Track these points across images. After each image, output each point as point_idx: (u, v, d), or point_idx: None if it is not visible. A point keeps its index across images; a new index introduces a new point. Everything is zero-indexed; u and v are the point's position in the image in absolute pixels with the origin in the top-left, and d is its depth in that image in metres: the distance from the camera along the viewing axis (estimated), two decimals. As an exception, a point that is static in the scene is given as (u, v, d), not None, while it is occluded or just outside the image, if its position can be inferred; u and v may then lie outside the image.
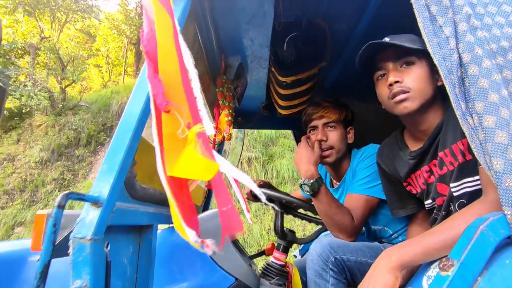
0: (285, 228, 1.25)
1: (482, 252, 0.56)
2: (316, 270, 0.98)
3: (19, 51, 9.71)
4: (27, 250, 1.07)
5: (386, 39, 0.89)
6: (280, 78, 1.48)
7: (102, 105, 8.79)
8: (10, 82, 8.06)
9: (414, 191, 0.99)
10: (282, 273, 1.16)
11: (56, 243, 0.64)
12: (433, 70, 0.87)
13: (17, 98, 7.91)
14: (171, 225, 1.12)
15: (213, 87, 1.52)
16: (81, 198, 0.54)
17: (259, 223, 5.37)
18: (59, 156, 7.70)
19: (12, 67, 8.53)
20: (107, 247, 0.69)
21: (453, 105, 0.72)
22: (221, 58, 1.42)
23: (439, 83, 0.87)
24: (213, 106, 1.56)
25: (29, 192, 6.81)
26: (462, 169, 0.81)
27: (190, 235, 0.45)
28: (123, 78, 12.43)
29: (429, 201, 0.93)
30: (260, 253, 1.43)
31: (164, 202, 0.99)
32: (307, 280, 1.01)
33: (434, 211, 0.93)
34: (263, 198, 0.55)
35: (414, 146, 0.96)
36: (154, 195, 0.93)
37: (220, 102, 1.48)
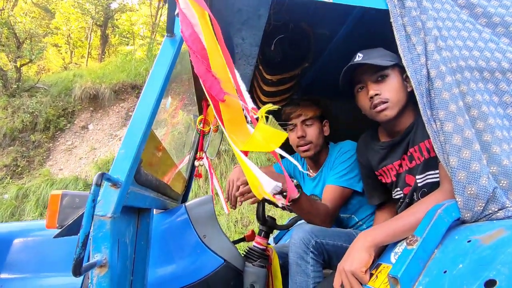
0: (266, 216, 1.35)
1: (439, 230, 0.71)
2: (298, 252, 1.10)
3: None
4: (12, 233, 1.06)
5: (360, 55, 1.05)
6: (266, 76, 1.57)
7: (63, 88, 8.24)
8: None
9: (384, 181, 1.14)
10: (263, 256, 1.27)
11: (71, 221, 0.68)
12: (403, 78, 1.03)
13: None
14: (163, 210, 1.18)
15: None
16: (109, 178, 0.59)
17: (226, 215, 5.44)
18: (12, 141, 7.14)
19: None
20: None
21: (421, 112, 0.87)
22: (211, 53, 1.48)
23: (409, 89, 1.02)
24: (201, 99, 1.61)
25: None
26: (427, 163, 0.97)
27: (277, 198, 0.55)
28: (87, 61, 11.71)
29: (397, 189, 1.09)
30: (241, 239, 1.53)
31: (159, 189, 1.05)
32: (289, 262, 1.13)
33: (400, 200, 1.09)
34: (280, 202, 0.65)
35: (385, 139, 1.12)
36: (153, 181, 0.98)
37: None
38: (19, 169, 6.80)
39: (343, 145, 1.40)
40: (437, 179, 0.93)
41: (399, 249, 0.82)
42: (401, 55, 0.95)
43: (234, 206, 1.20)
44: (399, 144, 1.06)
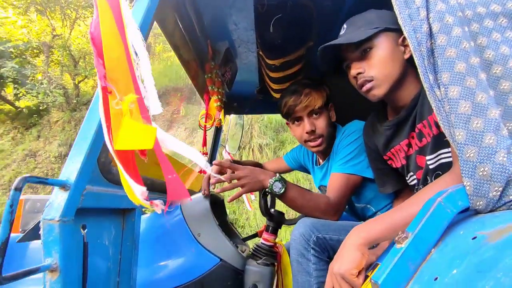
0: (272, 210, 1.26)
1: (438, 224, 0.55)
2: (298, 249, 1.00)
3: (34, 50, 9.99)
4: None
5: (344, 26, 0.90)
6: (269, 61, 1.47)
7: (115, 99, 8.98)
8: (27, 81, 8.36)
9: (394, 165, 0.98)
10: (270, 253, 1.18)
11: (33, 226, 0.68)
12: (397, 45, 0.85)
13: (34, 96, 8.21)
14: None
15: (202, 74, 1.53)
16: (42, 181, 0.57)
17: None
18: (77, 150, 8.00)
19: (29, 66, 8.83)
20: (84, 229, 0.72)
21: (422, 77, 0.70)
22: (207, 44, 1.42)
23: (406, 56, 0.84)
24: (203, 92, 1.57)
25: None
26: (437, 140, 0.79)
27: (142, 200, 0.49)
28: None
29: (410, 173, 0.92)
30: (253, 235, 1.46)
31: (148, 187, 1.03)
32: (290, 259, 1.03)
33: (415, 186, 0.92)
34: (208, 170, 0.56)
35: (392, 118, 0.95)
36: (144, 181, 0.96)
37: (210, 88, 1.49)
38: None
39: (348, 127, 1.22)
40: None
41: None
42: (397, 12, 0.78)
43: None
44: (404, 120, 0.88)
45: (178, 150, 0.53)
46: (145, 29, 0.81)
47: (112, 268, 0.86)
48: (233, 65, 1.59)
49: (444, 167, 0.79)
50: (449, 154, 0.78)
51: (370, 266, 0.71)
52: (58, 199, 0.63)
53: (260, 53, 1.48)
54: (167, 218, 1.10)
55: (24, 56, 9.18)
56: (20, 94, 8.32)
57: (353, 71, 0.88)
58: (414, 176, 0.90)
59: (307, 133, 1.21)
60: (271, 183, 1.02)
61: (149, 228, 1.09)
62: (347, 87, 1.64)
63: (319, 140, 1.23)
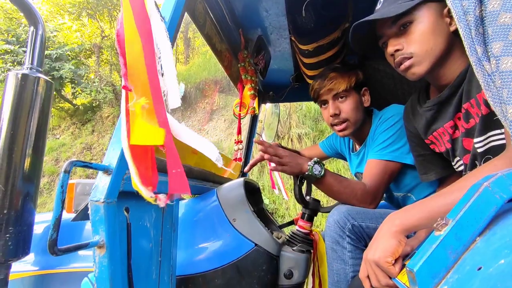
0: (308, 197, 1.25)
1: (483, 210, 0.50)
2: (333, 236, 0.98)
3: (87, 51, 10.86)
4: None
5: (380, 0, 0.83)
6: (301, 47, 1.43)
7: (159, 94, 9.46)
8: (82, 80, 9.14)
9: (437, 150, 0.90)
10: (306, 240, 1.18)
11: (83, 207, 0.75)
12: (441, 16, 0.76)
13: (88, 94, 8.96)
14: (196, 195, 1.21)
15: (235, 63, 1.54)
16: (87, 165, 0.63)
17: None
18: (127, 143, 8.62)
19: (83, 66, 9.63)
20: (127, 211, 0.78)
21: (467, 51, 0.64)
22: (239, 33, 1.42)
23: (452, 28, 0.76)
24: (236, 81, 1.58)
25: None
26: (487, 121, 0.71)
27: (144, 192, 0.51)
28: (175, 66, 13.11)
29: (457, 159, 0.85)
30: (289, 223, 1.46)
31: (187, 174, 1.08)
32: (325, 247, 1.02)
33: (463, 172, 0.84)
34: (220, 163, 0.58)
35: (434, 97, 0.87)
36: (174, 167, 1.00)
37: (243, 77, 1.50)
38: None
39: (385, 111, 1.15)
40: (504, 141, 0.67)
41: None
42: None
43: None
44: (448, 100, 0.80)
45: (191, 143, 0.56)
46: (175, 21, 0.84)
47: (154, 248, 0.93)
48: (267, 53, 1.57)
49: (495, 150, 0.71)
50: (501, 136, 0.70)
51: (407, 256, 0.68)
52: (102, 182, 0.69)
53: (293, 38, 1.45)
54: (204, 203, 1.15)
55: (78, 58, 10.03)
56: (77, 93, 9.14)
57: (390, 48, 0.81)
58: (461, 161, 0.83)
59: (331, 116, 1.20)
60: (311, 165, 1.02)
61: (187, 213, 1.14)
62: (386, 71, 1.56)
63: (344, 125, 1.20)
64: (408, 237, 0.70)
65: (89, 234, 0.94)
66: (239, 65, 1.49)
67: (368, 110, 1.25)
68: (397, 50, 0.80)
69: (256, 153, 1.77)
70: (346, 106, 1.19)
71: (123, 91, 0.53)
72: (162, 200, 0.52)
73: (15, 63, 7.96)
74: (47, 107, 0.87)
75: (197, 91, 9.03)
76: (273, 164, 1.04)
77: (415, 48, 0.78)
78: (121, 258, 0.71)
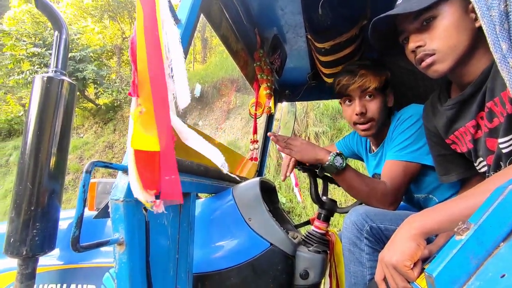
0: (324, 197, 1.24)
1: (508, 214, 0.48)
2: (350, 238, 0.97)
3: (108, 53, 11.21)
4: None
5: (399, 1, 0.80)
6: (318, 45, 1.42)
7: (177, 93, 9.63)
8: (104, 81, 9.44)
9: (459, 150, 0.87)
10: (322, 241, 1.17)
11: (104, 205, 0.78)
12: (466, 12, 0.73)
13: (110, 94, 9.24)
14: (212, 194, 1.23)
15: (251, 62, 1.55)
16: (107, 166, 0.65)
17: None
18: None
19: (105, 67, 9.95)
20: (146, 210, 0.81)
21: (491, 47, 0.61)
22: (255, 33, 1.43)
23: (478, 24, 0.72)
24: (252, 81, 1.59)
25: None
26: None
27: (143, 197, 0.52)
28: (193, 65, 13.29)
29: (480, 159, 0.81)
30: (305, 223, 1.45)
31: (202, 173, 1.09)
32: (342, 248, 1.01)
33: (486, 173, 0.81)
34: (225, 169, 0.58)
35: (455, 95, 0.84)
36: (191, 166, 1.02)
37: (259, 76, 1.50)
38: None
39: (404, 111, 1.12)
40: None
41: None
42: None
43: (283, 177, 1.25)
44: (471, 98, 0.77)
45: (197, 148, 0.56)
46: (191, 23, 0.85)
47: (172, 246, 0.95)
48: (282, 51, 1.57)
49: (522, 152, 0.68)
50: None
51: (426, 261, 0.66)
52: (121, 181, 0.71)
53: (309, 36, 1.43)
54: (220, 202, 1.16)
55: (101, 59, 10.36)
56: (99, 93, 9.46)
57: (412, 45, 0.78)
58: (484, 162, 0.79)
59: (356, 114, 1.16)
60: (333, 156, 1.02)
61: (203, 211, 1.16)
62: (407, 68, 1.51)
63: (369, 124, 1.17)
64: (428, 242, 0.68)
65: (111, 231, 0.98)
66: (254, 64, 1.49)
67: (388, 111, 1.22)
68: (418, 47, 0.77)
69: (272, 152, 1.76)
70: (373, 106, 1.15)
71: (133, 99, 0.55)
72: (159, 206, 0.53)
73: (42, 65, 8.33)
74: (70, 108, 0.91)
75: (214, 90, 9.12)
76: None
77: (438, 44, 0.75)
78: (140, 255, 0.74)
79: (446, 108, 0.85)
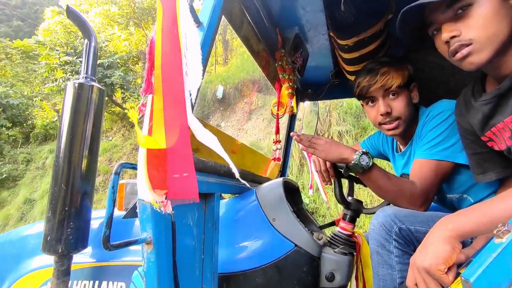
0: (349, 197, 1.21)
1: (555, 216, 0.45)
2: (378, 240, 0.93)
3: (134, 58, 11.62)
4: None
5: None
6: (340, 42, 1.38)
7: (200, 95, 9.82)
8: (130, 85, 9.80)
9: (496, 148, 0.81)
10: (348, 242, 1.14)
11: (132, 206, 0.81)
12: None
13: (136, 98, 9.58)
14: (236, 195, 1.23)
15: (272, 62, 1.54)
16: (134, 167, 0.67)
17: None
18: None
19: (131, 72, 10.33)
20: (172, 209, 0.82)
21: None
22: (276, 33, 1.42)
23: None
24: (274, 81, 1.58)
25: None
26: None
27: (151, 196, 0.52)
28: (215, 67, 13.48)
29: None
30: (330, 224, 1.42)
31: (225, 174, 1.10)
32: (370, 250, 0.97)
33: None
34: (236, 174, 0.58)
35: (491, 89, 0.78)
36: (215, 167, 1.03)
37: (280, 76, 1.49)
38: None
39: (434, 107, 1.06)
40: None
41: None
42: None
43: (328, 182, 1.20)
44: (510, 91, 0.71)
45: (210, 145, 0.57)
46: (213, 25, 0.86)
47: (197, 246, 0.96)
48: (304, 50, 1.55)
49: None
50: None
51: (461, 265, 0.62)
52: (148, 183, 0.73)
53: (331, 34, 1.40)
54: (243, 203, 1.17)
55: (127, 65, 10.78)
56: (126, 97, 9.83)
57: (446, 35, 0.72)
58: (527, 160, 0.74)
59: (381, 115, 1.11)
60: (359, 155, 0.98)
61: (227, 212, 1.17)
62: (436, 63, 1.45)
63: (395, 123, 1.11)
64: (463, 245, 0.64)
65: (139, 230, 1.01)
66: (276, 64, 1.48)
67: (415, 108, 1.17)
68: (453, 37, 0.72)
69: (295, 152, 1.75)
70: (398, 104, 1.10)
71: (149, 97, 0.56)
72: (168, 207, 0.53)
73: (73, 72, 8.78)
74: (100, 112, 0.95)
75: (236, 91, 9.19)
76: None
77: (475, 33, 0.69)
78: (167, 254, 0.75)
79: (481, 103, 0.79)
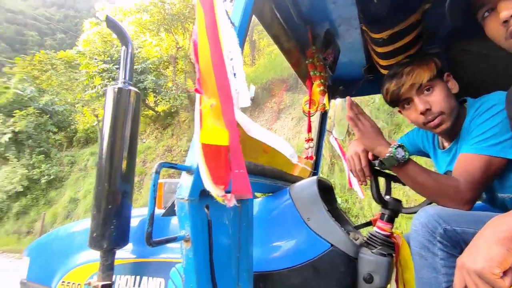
0: (387, 196, 1.15)
1: None
2: (421, 241, 0.88)
3: (165, 63, 12.06)
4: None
5: None
6: (374, 35, 1.33)
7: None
8: (162, 89, 10.18)
9: None
10: (387, 243, 1.09)
11: (171, 204, 0.83)
12: None
13: (167, 101, 9.94)
14: (269, 194, 1.23)
15: (303, 60, 1.52)
16: (173, 166, 0.69)
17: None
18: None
19: (162, 77, 10.73)
20: (208, 208, 0.84)
21: None
22: (307, 29, 1.40)
23: None
24: (305, 78, 1.56)
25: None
26: None
27: (215, 191, 0.53)
28: (243, 67, 13.60)
29: None
30: (366, 224, 1.37)
31: (259, 173, 1.10)
32: (411, 251, 0.92)
33: None
34: (295, 159, 0.56)
35: None
36: (249, 166, 1.04)
37: (311, 73, 1.47)
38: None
39: (485, 100, 0.97)
40: None
41: None
42: None
43: (364, 182, 1.14)
44: None
45: (263, 139, 0.56)
46: (244, 25, 0.86)
47: (233, 244, 0.97)
48: (335, 46, 1.51)
49: None
50: None
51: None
52: (185, 181, 0.75)
53: (364, 28, 1.35)
54: (277, 202, 1.16)
55: (158, 69, 11.22)
56: (158, 101, 10.24)
57: (505, 13, 0.64)
58: None
59: (422, 114, 1.03)
60: (394, 147, 0.93)
61: (260, 211, 1.17)
62: (481, 53, 1.35)
63: (439, 119, 1.02)
64: None
65: (176, 228, 1.04)
66: (307, 61, 1.46)
67: (460, 100, 1.08)
68: None
69: (325, 151, 1.71)
70: (436, 97, 1.02)
71: (197, 95, 0.57)
72: (231, 200, 0.54)
73: (110, 79, 9.30)
74: (137, 115, 0.99)
75: (264, 91, 9.22)
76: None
77: None
78: (204, 252, 0.77)
79: None
